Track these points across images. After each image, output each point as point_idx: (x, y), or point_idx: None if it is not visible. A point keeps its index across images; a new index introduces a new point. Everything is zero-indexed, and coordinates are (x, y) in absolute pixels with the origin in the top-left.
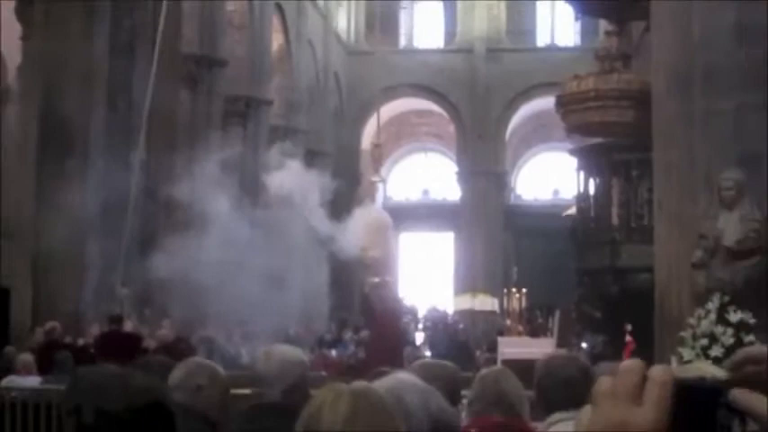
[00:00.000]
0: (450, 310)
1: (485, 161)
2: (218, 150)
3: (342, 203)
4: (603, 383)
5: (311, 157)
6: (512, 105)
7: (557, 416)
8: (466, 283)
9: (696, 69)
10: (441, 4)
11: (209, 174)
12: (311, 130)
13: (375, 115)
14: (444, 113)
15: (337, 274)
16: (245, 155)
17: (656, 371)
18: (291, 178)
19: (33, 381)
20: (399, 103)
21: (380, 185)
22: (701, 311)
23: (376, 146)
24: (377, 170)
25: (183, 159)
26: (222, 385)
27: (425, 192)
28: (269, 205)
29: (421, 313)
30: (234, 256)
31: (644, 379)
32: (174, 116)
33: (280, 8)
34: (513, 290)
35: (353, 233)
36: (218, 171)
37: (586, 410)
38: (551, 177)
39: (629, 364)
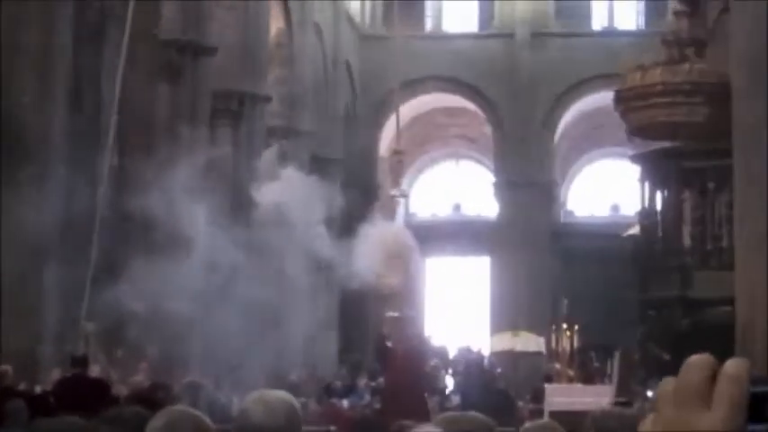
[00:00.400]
0: (486, 352)
1: (528, 170)
2: (203, 156)
3: (354, 221)
4: (666, 384)
5: (317, 165)
6: (561, 102)
7: None
8: (505, 319)
9: None
10: None
11: (193, 185)
12: (317, 133)
13: (395, 114)
14: (479, 112)
15: (347, 308)
16: (236, 161)
17: (729, 365)
18: (289, 189)
19: None
20: (424, 99)
21: (401, 200)
22: None
23: (396, 152)
24: (397, 181)
25: (161, 167)
26: None
27: (456, 207)
28: (264, 223)
29: (450, 355)
30: (221, 284)
31: (714, 377)
32: (151, 115)
33: None
34: (563, 326)
35: (367, 257)
36: (203, 181)
37: (648, 419)
38: (609, 190)
39: (696, 358)
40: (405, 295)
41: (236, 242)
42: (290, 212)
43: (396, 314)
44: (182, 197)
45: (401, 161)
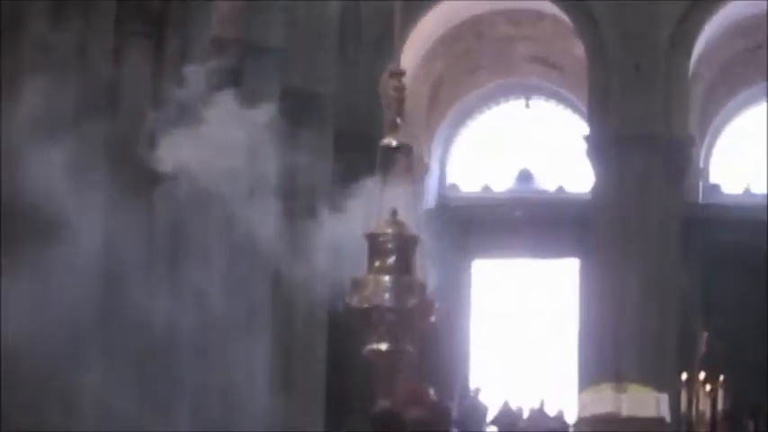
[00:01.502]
0: (571, 416)
1: (646, 117)
2: (103, 89)
3: (349, 195)
4: None
5: (292, 103)
6: (699, 5)
7: None
8: (603, 362)
9: None
10: None
11: (83, 141)
12: (293, 52)
13: (420, 22)
14: (565, 19)
15: (299, 338)
16: (158, 93)
17: None
18: (220, 131)
19: None
20: None
21: (430, 168)
22: None
23: (394, 75)
24: (394, 127)
25: (30, 108)
26: None
27: (525, 177)
28: (176, 205)
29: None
30: (109, 292)
31: None
32: (21, 26)
33: None
34: (701, 376)
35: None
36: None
37: None
38: None
39: None
40: (409, 324)
41: (141, 224)
42: (219, 182)
43: (383, 348)
44: (63, 158)
45: (401, 89)
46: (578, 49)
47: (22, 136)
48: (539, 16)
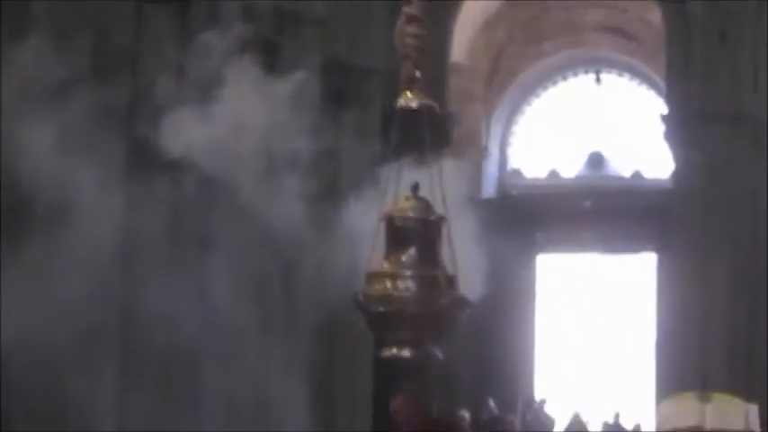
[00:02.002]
0: (649, 429)
1: (732, 92)
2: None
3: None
4: None
5: (335, 78)
6: None
7: None
8: (685, 369)
9: None
10: None
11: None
12: (337, 21)
13: None
14: None
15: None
16: (182, 65)
17: None
18: (250, 109)
19: None
20: None
21: (490, 151)
22: None
23: (412, 20)
24: (411, 82)
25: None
26: None
27: (595, 161)
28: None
29: None
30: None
31: None
32: None
33: None
34: None
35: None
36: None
37: None
38: None
39: None
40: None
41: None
42: (246, 166)
43: (405, 354)
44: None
45: (423, 40)
46: (655, 16)
47: (27, 110)
48: None
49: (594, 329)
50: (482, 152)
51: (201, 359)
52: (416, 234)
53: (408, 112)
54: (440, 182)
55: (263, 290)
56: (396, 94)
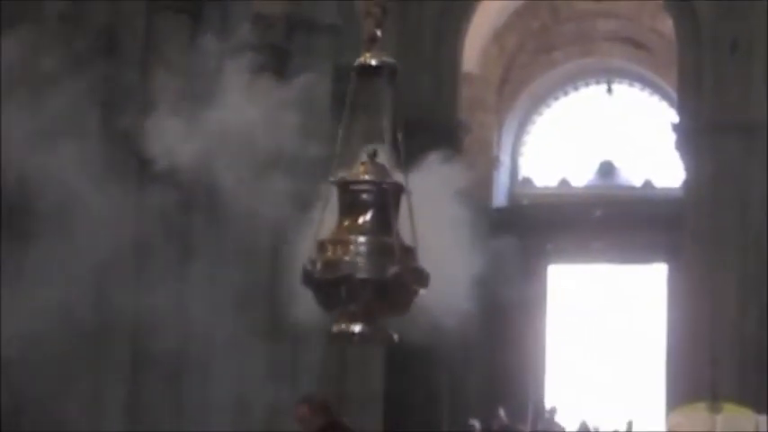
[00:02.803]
0: None
1: (743, 102)
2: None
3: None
4: None
5: (344, 84)
6: None
7: None
8: (695, 379)
9: None
10: None
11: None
12: (347, 28)
13: None
14: None
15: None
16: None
17: None
18: (262, 116)
19: None
20: None
21: (503, 160)
22: None
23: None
24: (372, 42)
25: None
26: None
27: (606, 170)
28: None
29: None
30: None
31: None
32: None
33: None
34: None
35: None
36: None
37: None
38: None
39: None
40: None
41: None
42: (256, 173)
43: (356, 329)
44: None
45: (380, 13)
46: (666, 26)
47: (34, 123)
48: None
49: (605, 339)
50: (493, 161)
51: (208, 365)
52: (371, 200)
53: (367, 69)
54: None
55: (249, 299)
56: (410, 100)
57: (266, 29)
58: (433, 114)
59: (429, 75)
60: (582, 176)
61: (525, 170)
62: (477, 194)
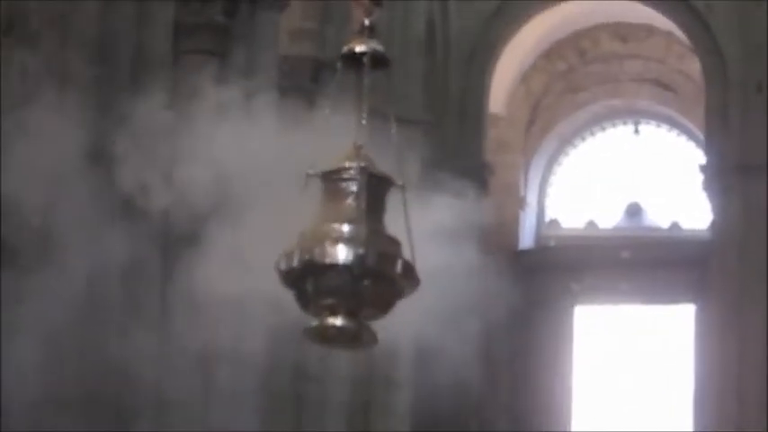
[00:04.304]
0: None
1: None
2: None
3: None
4: None
5: (376, 126)
6: None
7: None
8: (724, 421)
9: None
10: None
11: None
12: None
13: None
14: (678, 34)
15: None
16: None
17: None
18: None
19: None
20: (576, 8)
21: (529, 202)
22: None
23: None
24: (362, 30)
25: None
26: None
27: (633, 212)
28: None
29: None
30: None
31: None
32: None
33: None
34: None
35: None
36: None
37: None
38: None
39: None
40: None
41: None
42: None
43: (337, 323)
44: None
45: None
46: (693, 67)
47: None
48: (649, 31)
49: (632, 381)
50: (520, 202)
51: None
52: (356, 189)
53: (352, 56)
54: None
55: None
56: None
57: (293, 70)
58: (458, 156)
59: (455, 116)
60: (609, 218)
61: (552, 211)
62: (503, 236)
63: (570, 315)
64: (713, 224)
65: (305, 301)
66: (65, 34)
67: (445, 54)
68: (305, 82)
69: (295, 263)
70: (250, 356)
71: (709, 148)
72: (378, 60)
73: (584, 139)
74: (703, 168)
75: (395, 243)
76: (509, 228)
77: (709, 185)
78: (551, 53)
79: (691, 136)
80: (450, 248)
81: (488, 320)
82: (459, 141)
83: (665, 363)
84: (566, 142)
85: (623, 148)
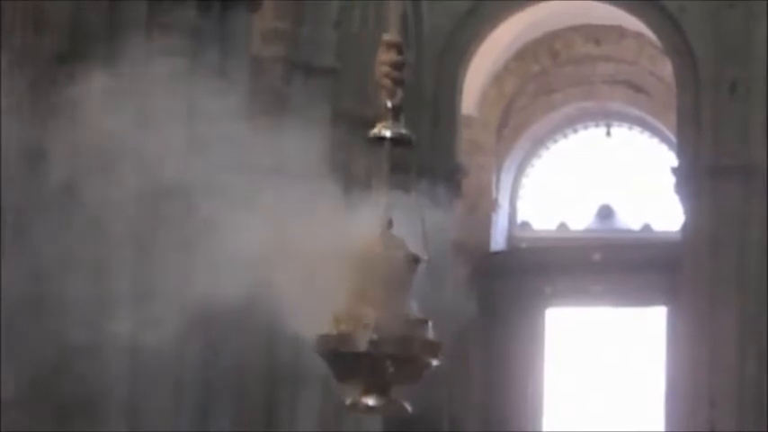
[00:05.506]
0: None
1: (743, 145)
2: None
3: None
4: None
5: (347, 131)
6: None
7: None
8: (695, 424)
9: None
10: None
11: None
12: (346, 72)
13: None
14: (651, 36)
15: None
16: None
17: None
18: (259, 159)
19: None
20: (546, 9)
21: (501, 204)
22: None
23: (391, 46)
24: (387, 112)
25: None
26: None
27: (605, 214)
28: None
29: None
30: None
31: None
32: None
33: None
34: None
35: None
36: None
37: None
38: None
39: None
40: None
41: None
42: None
43: (370, 403)
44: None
45: (401, 69)
46: (666, 69)
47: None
48: (621, 33)
49: (604, 383)
50: (492, 204)
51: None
52: (388, 273)
53: (380, 141)
54: (421, 221)
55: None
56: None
57: (264, 73)
58: (431, 157)
59: (428, 117)
60: (581, 220)
61: (524, 213)
62: (475, 238)
63: (542, 317)
64: (685, 226)
65: (338, 376)
66: (37, 30)
67: (418, 54)
68: (276, 83)
69: (321, 349)
70: (220, 357)
71: (680, 150)
72: (402, 141)
73: (556, 141)
74: (675, 170)
75: (417, 324)
76: (481, 230)
77: (680, 187)
78: (524, 54)
79: (663, 138)
80: (423, 250)
81: (460, 322)
82: (432, 143)
83: (637, 365)
84: (538, 144)
85: (595, 151)
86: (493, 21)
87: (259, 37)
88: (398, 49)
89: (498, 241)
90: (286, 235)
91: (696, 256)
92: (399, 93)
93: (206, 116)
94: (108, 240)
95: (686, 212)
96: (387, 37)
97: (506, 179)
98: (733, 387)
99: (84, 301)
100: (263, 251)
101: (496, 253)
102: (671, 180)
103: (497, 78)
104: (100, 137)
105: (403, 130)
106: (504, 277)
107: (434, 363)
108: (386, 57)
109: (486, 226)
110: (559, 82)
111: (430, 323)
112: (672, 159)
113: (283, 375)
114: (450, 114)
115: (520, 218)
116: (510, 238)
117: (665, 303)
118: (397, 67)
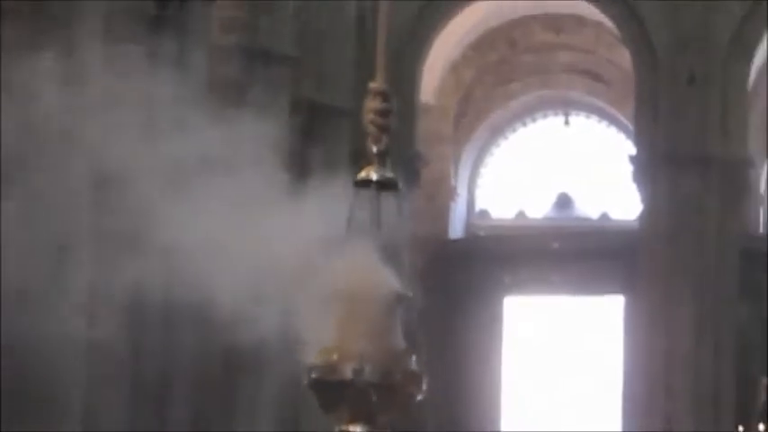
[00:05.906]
0: None
1: (700, 135)
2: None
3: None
4: None
5: (306, 119)
6: (761, 8)
7: None
8: (651, 412)
9: None
10: None
11: None
12: (306, 60)
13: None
14: (608, 24)
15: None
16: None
17: None
18: (220, 149)
19: None
20: None
21: (460, 193)
22: None
23: (377, 95)
24: (373, 158)
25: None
26: None
27: (563, 203)
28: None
29: None
30: None
31: None
32: None
33: None
34: (760, 428)
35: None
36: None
37: None
38: None
39: None
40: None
41: None
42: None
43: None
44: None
45: (386, 117)
46: (624, 59)
47: None
48: (580, 22)
49: (561, 371)
50: (450, 193)
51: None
52: (374, 309)
53: (366, 185)
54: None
55: None
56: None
57: (223, 62)
58: (397, 148)
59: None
60: (539, 208)
61: (482, 202)
62: (434, 226)
63: (500, 305)
64: (642, 215)
65: (325, 407)
66: None
67: (374, 44)
68: (235, 72)
69: (308, 379)
70: (179, 351)
71: (638, 139)
72: (388, 185)
73: (514, 129)
74: (633, 159)
75: (401, 355)
76: (439, 218)
77: (638, 176)
78: (483, 43)
79: (620, 127)
80: (381, 238)
81: (417, 310)
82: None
83: (595, 353)
84: (497, 133)
85: (553, 139)
86: (451, 9)
87: (218, 26)
88: (384, 96)
89: (457, 229)
90: (239, 223)
91: (652, 245)
92: (385, 139)
93: (163, 104)
94: (61, 230)
95: (644, 201)
96: (373, 85)
97: (465, 168)
98: (688, 375)
99: (38, 293)
100: (216, 240)
101: (455, 241)
102: (629, 169)
103: (455, 67)
104: (54, 124)
105: (389, 174)
106: (463, 265)
107: (418, 395)
108: (372, 104)
109: (444, 214)
110: (518, 71)
111: (414, 356)
112: (629, 148)
113: (243, 365)
114: (408, 103)
115: (478, 206)
116: (468, 226)
117: (622, 292)
118: (383, 114)
